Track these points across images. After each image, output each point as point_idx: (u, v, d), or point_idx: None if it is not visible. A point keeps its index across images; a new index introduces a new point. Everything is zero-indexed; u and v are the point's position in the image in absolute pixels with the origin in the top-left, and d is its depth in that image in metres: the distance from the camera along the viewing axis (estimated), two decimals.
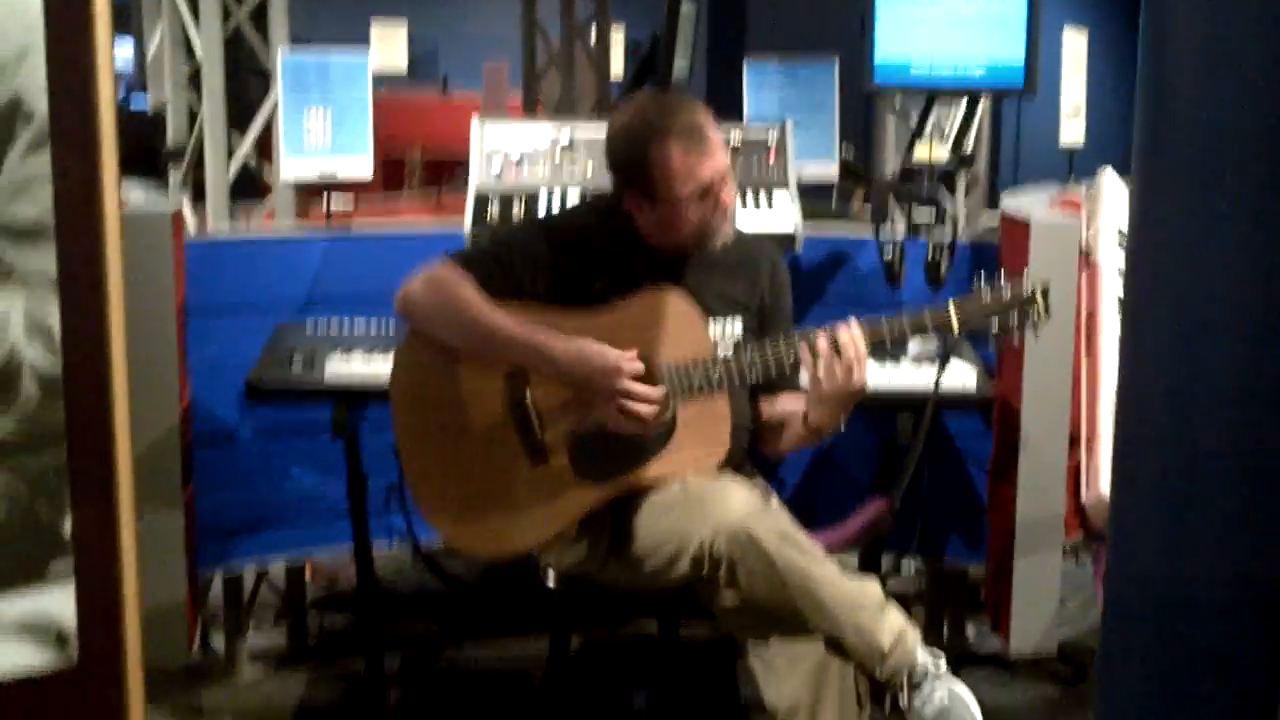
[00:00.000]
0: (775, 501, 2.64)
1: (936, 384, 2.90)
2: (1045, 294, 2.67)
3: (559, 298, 2.77)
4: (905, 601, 4.15)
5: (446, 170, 4.40)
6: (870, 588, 2.54)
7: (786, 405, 2.90)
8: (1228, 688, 1.44)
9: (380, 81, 9.23)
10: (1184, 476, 1.44)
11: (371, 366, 3.18)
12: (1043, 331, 2.71)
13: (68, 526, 2.13)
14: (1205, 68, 1.36)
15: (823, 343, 2.66)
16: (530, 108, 5.02)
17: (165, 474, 3.36)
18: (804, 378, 2.77)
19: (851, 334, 2.65)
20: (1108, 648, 1.60)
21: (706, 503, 2.58)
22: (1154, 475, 1.49)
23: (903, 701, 2.52)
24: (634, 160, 2.75)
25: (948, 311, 2.69)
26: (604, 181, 2.94)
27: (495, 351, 2.71)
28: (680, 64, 5.23)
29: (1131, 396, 1.52)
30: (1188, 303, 1.41)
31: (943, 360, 2.98)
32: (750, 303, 2.91)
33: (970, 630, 4.03)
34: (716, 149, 2.75)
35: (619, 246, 2.82)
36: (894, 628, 2.51)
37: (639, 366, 2.66)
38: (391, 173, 6.26)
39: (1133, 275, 1.52)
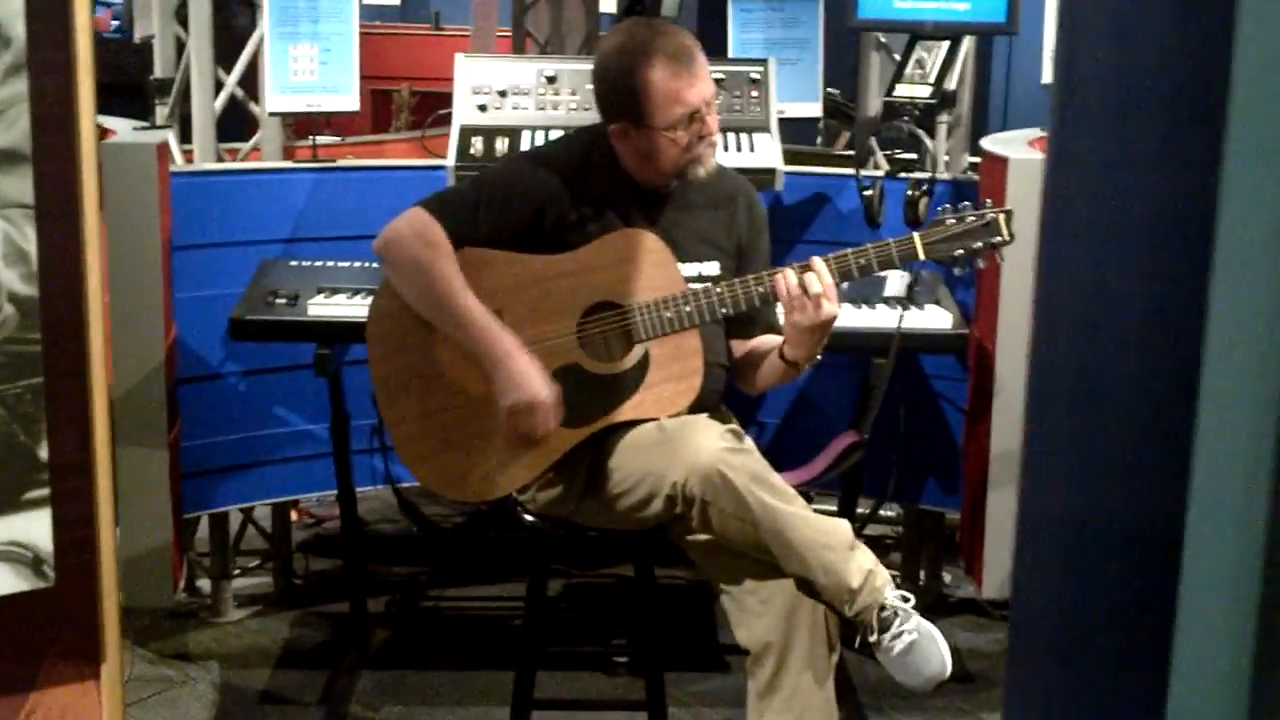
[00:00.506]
0: (748, 442, 2.66)
1: (900, 318, 2.93)
2: (1008, 218, 2.70)
3: (536, 236, 2.78)
4: (884, 547, 4.21)
5: (438, 105, 4.38)
6: (840, 527, 2.57)
7: (762, 342, 2.92)
8: (1128, 617, 1.48)
9: (373, 15, 9.18)
10: (1092, 411, 1.47)
11: (355, 305, 3.19)
12: (1008, 255, 2.75)
13: (44, 452, 2.16)
14: (1115, 26, 1.38)
15: (791, 277, 2.68)
16: (519, 44, 4.99)
17: (151, 414, 3.36)
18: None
19: (816, 267, 2.68)
20: (1019, 581, 1.64)
21: (679, 443, 2.60)
22: (1063, 411, 1.52)
23: (872, 640, 2.56)
24: (622, 83, 2.75)
25: (912, 240, 2.72)
26: (589, 118, 2.94)
27: (451, 332, 2.73)
28: (670, 1, 5.20)
29: (1043, 339, 1.55)
30: (1097, 243, 1.44)
31: (909, 294, 3.02)
32: (727, 244, 2.92)
33: (947, 576, 4.07)
34: (705, 75, 2.77)
35: (600, 181, 2.82)
36: (863, 567, 2.54)
37: (547, 424, 2.70)
38: (381, 108, 6.23)
39: (1045, 217, 1.54)
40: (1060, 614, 1.51)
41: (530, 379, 2.68)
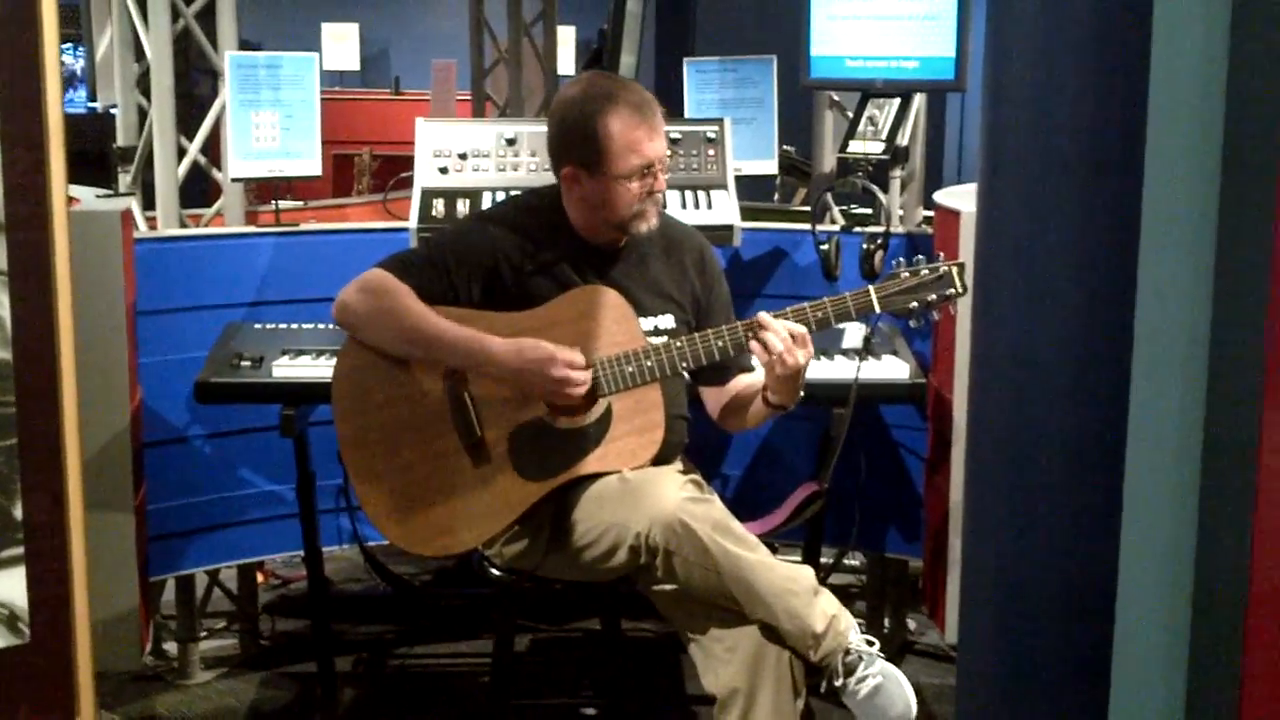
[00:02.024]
0: (710, 492, 2.70)
1: (856, 374, 2.98)
2: (960, 271, 2.76)
3: (492, 296, 2.82)
4: (849, 595, 4.24)
5: (399, 168, 4.43)
6: (803, 573, 2.61)
7: (745, 386, 2.97)
8: (1066, 664, 1.53)
9: (334, 80, 9.27)
10: (1025, 467, 1.53)
11: (319, 366, 3.23)
12: (962, 305, 2.80)
13: (19, 511, 2.18)
14: (1039, 76, 1.44)
15: (756, 343, 2.74)
16: (479, 107, 5.07)
17: (117, 478, 3.37)
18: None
19: (768, 324, 2.73)
20: (963, 632, 1.69)
21: (642, 494, 2.64)
22: (999, 467, 1.57)
23: (838, 684, 2.59)
24: (580, 129, 2.79)
25: (868, 293, 2.78)
26: (549, 179, 2.99)
27: (435, 355, 2.76)
28: (627, 60, 5.29)
29: (978, 398, 1.61)
30: (1024, 306, 1.50)
31: (866, 345, 3.08)
32: (680, 296, 2.97)
33: (911, 622, 4.10)
34: (662, 133, 2.83)
35: (551, 239, 2.87)
36: (826, 612, 2.58)
37: (577, 357, 2.73)
38: (343, 172, 6.28)
39: (980, 270, 1.60)
40: (1002, 660, 1.56)
41: (523, 341, 2.72)
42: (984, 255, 1.52)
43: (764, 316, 2.75)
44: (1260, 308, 1.33)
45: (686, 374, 2.87)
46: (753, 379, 2.97)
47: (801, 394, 2.84)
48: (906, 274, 2.80)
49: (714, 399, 3.00)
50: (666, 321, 2.92)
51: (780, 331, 2.72)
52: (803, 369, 2.76)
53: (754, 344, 2.76)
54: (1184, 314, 1.37)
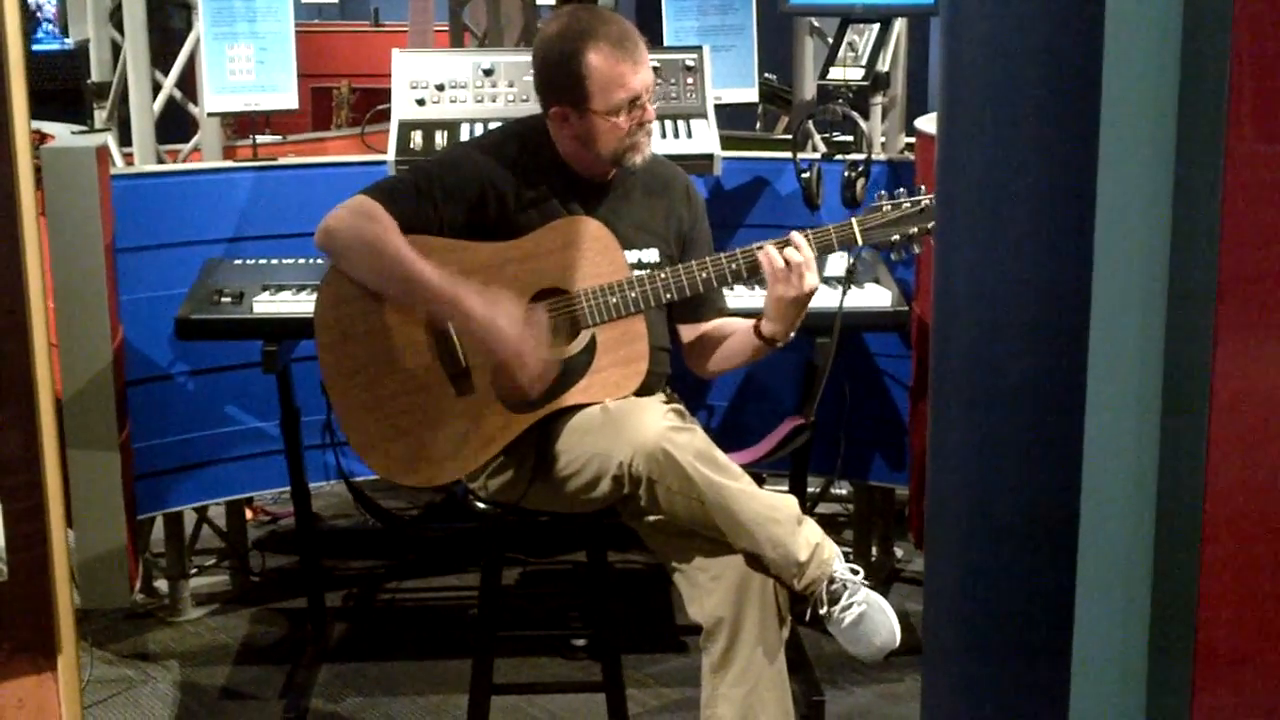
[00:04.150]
0: (692, 421, 2.70)
1: (841, 301, 2.98)
2: None
3: (478, 225, 2.81)
4: (836, 525, 4.27)
5: (378, 101, 4.39)
6: (786, 502, 2.62)
7: (718, 326, 2.97)
8: (1029, 606, 1.54)
9: (312, 13, 9.16)
10: (986, 403, 1.54)
11: (301, 301, 3.21)
12: None
13: None
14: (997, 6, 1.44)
15: (773, 251, 2.74)
16: (456, 37, 5.01)
17: (101, 417, 3.36)
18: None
19: (796, 241, 2.74)
20: (930, 569, 1.70)
21: (625, 424, 2.64)
22: (961, 402, 1.58)
23: (823, 612, 2.61)
24: (564, 66, 2.77)
25: (850, 226, 2.78)
26: (527, 110, 2.97)
27: (412, 300, 2.74)
28: None
29: (940, 334, 1.61)
30: (985, 241, 1.50)
31: (848, 277, 3.07)
32: (665, 232, 2.96)
33: (899, 550, 4.13)
34: (646, 62, 2.81)
35: (539, 169, 2.85)
36: (810, 541, 2.59)
37: (538, 368, 2.72)
38: (321, 105, 6.22)
39: (938, 220, 1.60)
40: (966, 596, 1.57)
41: (503, 335, 2.69)
42: (943, 197, 1.52)
43: (795, 234, 2.75)
44: (1213, 232, 1.34)
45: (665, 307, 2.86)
46: (725, 321, 2.96)
47: (793, 335, 2.83)
48: (888, 206, 2.80)
49: (685, 336, 2.99)
50: (650, 255, 2.91)
51: (804, 248, 2.72)
52: (811, 295, 2.76)
53: (766, 259, 2.73)
54: (1142, 238, 1.38)
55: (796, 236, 2.75)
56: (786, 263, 2.72)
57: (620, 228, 2.85)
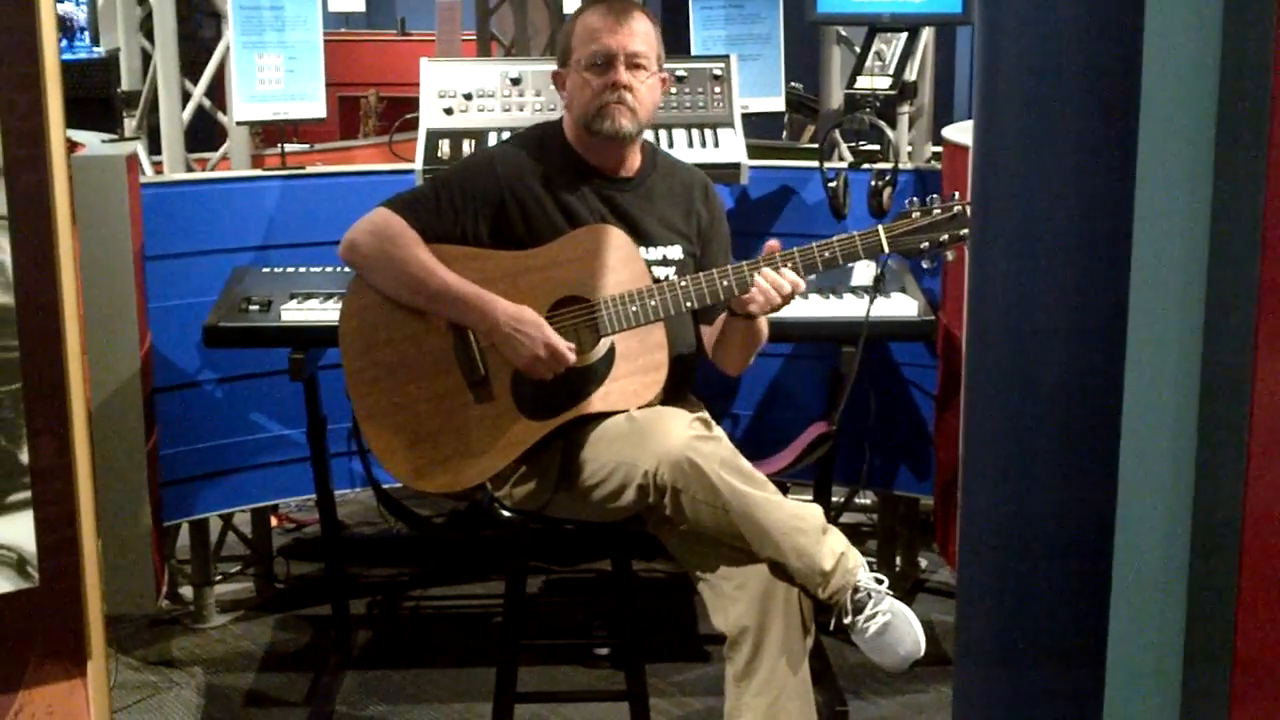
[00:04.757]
0: (717, 430, 2.70)
1: (868, 310, 2.98)
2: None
3: (501, 230, 2.82)
4: (860, 534, 4.25)
5: (405, 109, 4.40)
6: (811, 511, 2.61)
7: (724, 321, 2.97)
8: (1064, 617, 1.53)
9: (339, 22, 9.20)
10: (1022, 413, 1.53)
11: (327, 309, 3.22)
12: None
13: (25, 456, 2.20)
14: (1037, 12, 1.43)
15: (771, 277, 2.74)
16: (484, 47, 5.02)
17: (128, 423, 3.38)
18: None
19: (773, 279, 2.74)
20: (963, 580, 1.69)
21: (649, 433, 2.64)
22: (996, 412, 1.57)
23: (847, 622, 2.60)
24: (564, 29, 2.91)
25: (877, 233, 2.77)
26: (554, 119, 2.98)
27: (436, 308, 2.77)
28: None
29: (976, 343, 1.60)
30: (1022, 249, 1.49)
31: (875, 286, 3.06)
32: (688, 230, 2.97)
33: (923, 560, 4.11)
34: (631, 32, 2.85)
35: (558, 172, 2.88)
36: (835, 550, 2.58)
37: (569, 359, 2.73)
38: (349, 114, 6.25)
39: (973, 224, 1.59)
40: (1001, 607, 1.56)
41: (529, 340, 2.72)
42: (980, 201, 1.51)
43: (775, 245, 2.74)
44: (1255, 239, 1.32)
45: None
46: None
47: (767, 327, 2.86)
48: (918, 213, 2.79)
49: (708, 337, 3.00)
50: (674, 252, 2.92)
51: (782, 284, 2.73)
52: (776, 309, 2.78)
53: (759, 282, 2.75)
54: (1181, 246, 1.37)
55: (788, 274, 2.75)
56: (778, 291, 2.74)
57: (643, 224, 2.87)
